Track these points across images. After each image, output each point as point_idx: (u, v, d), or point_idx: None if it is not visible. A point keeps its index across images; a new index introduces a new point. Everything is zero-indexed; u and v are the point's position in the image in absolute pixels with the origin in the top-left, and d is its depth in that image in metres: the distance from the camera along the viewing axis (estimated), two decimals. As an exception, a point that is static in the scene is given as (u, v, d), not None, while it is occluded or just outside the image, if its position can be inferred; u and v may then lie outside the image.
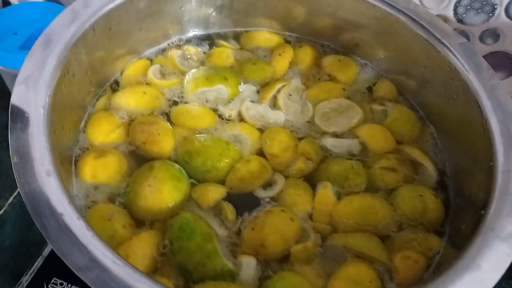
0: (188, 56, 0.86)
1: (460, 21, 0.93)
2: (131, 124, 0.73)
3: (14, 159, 0.51)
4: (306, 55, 0.88)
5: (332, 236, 0.65)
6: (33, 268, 0.69)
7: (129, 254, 0.58)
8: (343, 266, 0.61)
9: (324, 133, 0.77)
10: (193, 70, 0.81)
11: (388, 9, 0.80)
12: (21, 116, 0.54)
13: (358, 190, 0.70)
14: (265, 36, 0.91)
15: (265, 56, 0.89)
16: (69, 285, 0.63)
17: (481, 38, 0.95)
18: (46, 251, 0.74)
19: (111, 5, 0.71)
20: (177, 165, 0.68)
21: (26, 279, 0.64)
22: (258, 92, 0.82)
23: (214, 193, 0.66)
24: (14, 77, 0.79)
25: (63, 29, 0.65)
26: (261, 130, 0.76)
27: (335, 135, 0.77)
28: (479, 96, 0.68)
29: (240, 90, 0.81)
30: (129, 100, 0.75)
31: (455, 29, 0.77)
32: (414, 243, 0.65)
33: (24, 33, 0.86)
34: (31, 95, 0.56)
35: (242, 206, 0.67)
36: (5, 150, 0.75)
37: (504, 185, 0.59)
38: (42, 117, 0.55)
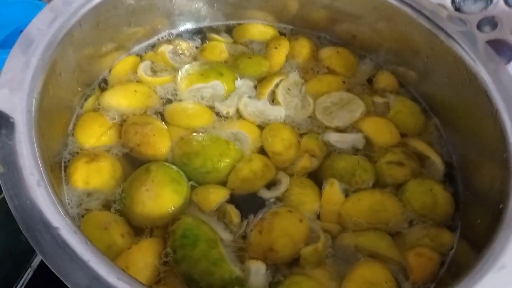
0: (180, 52, 0.81)
1: (457, 9, 0.91)
2: (123, 125, 0.69)
3: (0, 169, 0.46)
4: (303, 47, 0.84)
5: (342, 236, 0.62)
6: (22, 280, 0.65)
7: (129, 265, 0.54)
8: (356, 267, 0.59)
9: (326, 128, 0.74)
10: (186, 66, 0.77)
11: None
12: (6, 122, 0.49)
13: (365, 187, 0.67)
14: (259, 29, 0.87)
15: (260, 49, 0.85)
16: (62, 299, 0.59)
17: (479, 26, 0.93)
18: (35, 262, 0.70)
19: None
20: (175, 167, 0.64)
21: (15, 293, 0.60)
22: (255, 87, 0.78)
23: (216, 196, 0.62)
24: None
25: (45, 27, 0.60)
26: (260, 127, 0.73)
27: (338, 130, 0.74)
28: (487, 86, 0.65)
29: (237, 85, 0.77)
30: (120, 100, 0.71)
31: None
32: (426, 240, 0.63)
33: (2, 31, 0.80)
34: (16, 98, 0.52)
35: (247, 208, 0.63)
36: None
37: (523, 178, 0.56)
38: (30, 122, 0.51)
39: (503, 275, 0.47)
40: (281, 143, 0.69)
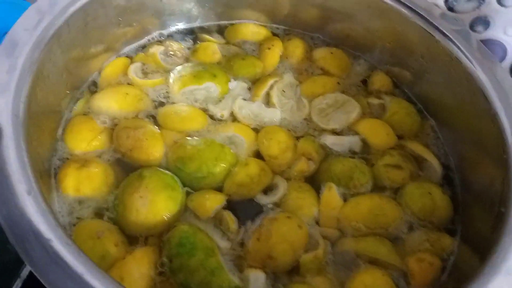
0: (171, 53, 0.79)
1: (450, 8, 0.90)
2: (114, 129, 0.67)
3: (-13, 178, 0.43)
4: (296, 48, 0.83)
5: (342, 241, 0.61)
6: (11, 292, 0.62)
7: (124, 276, 0.52)
8: (357, 274, 0.57)
9: (322, 131, 0.72)
10: (179, 68, 0.74)
11: (383, -2, 0.76)
12: (-8, 127, 0.47)
13: (364, 190, 0.66)
14: (251, 29, 0.86)
15: (253, 50, 0.83)
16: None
17: (472, 26, 0.92)
18: (24, 273, 0.68)
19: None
20: (169, 173, 0.62)
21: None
22: (249, 89, 0.77)
23: (213, 202, 0.60)
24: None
25: (32, 27, 0.57)
26: (256, 130, 0.71)
27: (334, 132, 0.72)
28: (484, 86, 0.65)
29: (230, 87, 0.75)
30: (111, 103, 0.68)
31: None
32: (427, 244, 0.62)
33: (-14, 32, 0.77)
34: (2, 102, 0.49)
35: (244, 214, 0.62)
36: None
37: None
38: (17, 126, 0.48)
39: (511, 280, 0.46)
40: (278, 146, 0.68)
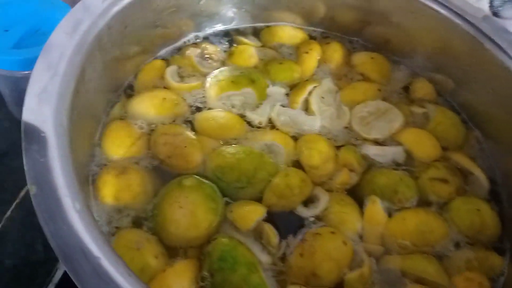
0: (207, 56, 0.77)
1: (495, 14, 0.87)
2: (151, 134, 0.65)
3: (32, 191, 0.42)
4: (335, 52, 0.80)
5: (387, 258, 0.58)
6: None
7: (165, 291, 0.50)
8: (404, 294, 0.55)
9: (364, 140, 0.70)
10: (216, 72, 0.72)
11: (429, 3, 0.73)
12: (37, 137, 0.45)
13: (409, 205, 0.63)
14: (288, 32, 0.83)
15: (290, 54, 0.81)
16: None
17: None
18: (56, 277, 0.67)
19: (125, 1, 0.62)
20: (209, 182, 0.60)
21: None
22: (286, 94, 0.74)
23: (253, 214, 0.58)
24: (7, 78, 0.70)
25: (72, 31, 0.56)
26: (294, 138, 0.69)
27: (376, 142, 0.70)
28: (538, 99, 0.61)
29: (268, 93, 0.73)
30: (148, 108, 0.67)
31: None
32: (475, 263, 0.59)
33: (17, 30, 0.75)
34: (46, 109, 0.48)
35: (284, 227, 0.59)
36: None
37: None
38: (62, 135, 0.47)
39: None
40: (318, 156, 0.65)
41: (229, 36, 0.83)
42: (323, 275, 0.54)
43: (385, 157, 0.68)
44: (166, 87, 0.71)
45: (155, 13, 0.70)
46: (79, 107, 0.54)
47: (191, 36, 0.80)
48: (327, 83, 0.75)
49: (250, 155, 0.63)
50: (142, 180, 0.59)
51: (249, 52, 0.78)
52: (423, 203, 0.64)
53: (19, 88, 0.64)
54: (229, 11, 0.81)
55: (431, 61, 0.79)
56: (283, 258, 0.57)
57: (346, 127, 0.71)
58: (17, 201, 0.73)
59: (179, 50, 0.78)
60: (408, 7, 0.76)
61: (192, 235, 0.55)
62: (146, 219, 0.57)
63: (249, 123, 0.70)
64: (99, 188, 0.58)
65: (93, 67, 0.58)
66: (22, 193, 0.71)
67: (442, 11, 0.72)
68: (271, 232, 0.58)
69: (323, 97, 0.74)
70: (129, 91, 0.71)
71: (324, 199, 0.62)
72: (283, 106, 0.72)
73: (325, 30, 0.86)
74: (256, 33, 0.85)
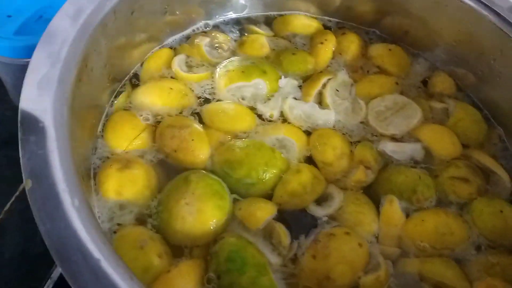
0: (217, 45, 0.74)
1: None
2: (157, 127, 0.62)
3: (28, 185, 0.39)
4: (351, 43, 0.76)
5: (404, 261, 0.55)
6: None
7: (169, 293, 0.48)
8: (422, 300, 0.52)
9: (381, 136, 0.66)
10: (225, 62, 0.69)
11: (453, -8, 0.69)
12: (35, 127, 0.42)
13: (428, 205, 0.60)
14: (302, 21, 0.80)
15: (303, 44, 0.77)
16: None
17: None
18: (55, 274, 0.64)
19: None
20: (217, 178, 0.57)
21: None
22: (299, 87, 0.71)
23: (264, 212, 0.55)
24: (8, 66, 0.67)
25: (75, 16, 0.53)
26: (307, 133, 0.65)
27: (394, 138, 0.66)
28: None
29: (280, 85, 0.69)
30: (154, 98, 0.63)
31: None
32: (497, 269, 0.56)
33: (20, 15, 0.73)
34: (46, 98, 0.45)
35: (296, 226, 0.56)
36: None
37: None
38: (62, 126, 0.44)
39: None
40: (332, 152, 0.62)
41: (240, 25, 0.79)
42: (337, 279, 0.51)
43: (403, 154, 0.64)
44: (173, 77, 0.68)
45: (163, -1, 0.66)
46: (81, 97, 0.51)
47: (200, 24, 0.77)
48: (342, 76, 0.72)
49: (261, 149, 0.60)
50: (147, 175, 0.56)
51: (260, 41, 0.75)
52: (443, 203, 0.61)
53: (21, 76, 0.62)
54: (241, -1, 0.77)
55: (452, 54, 0.75)
56: (294, 260, 0.54)
57: (361, 122, 0.68)
58: (16, 193, 0.71)
59: (188, 38, 0.75)
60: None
61: (198, 233, 0.52)
62: (150, 216, 0.55)
63: (259, 116, 0.66)
64: (101, 183, 0.55)
65: (97, 54, 0.55)
66: (22, 186, 0.68)
67: (468, 1, 0.68)
68: (282, 232, 0.55)
69: (337, 90, 0.70)
70: (135, 81, 0.68)
71: (338, 197, 0.59)
72: (295, 99, 0.68)
73: (340, 20, 0.82)
74: (268, 22, 0.81)
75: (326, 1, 0.81)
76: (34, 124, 0.43)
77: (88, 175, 0.56)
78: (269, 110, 0.66)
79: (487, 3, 0.66)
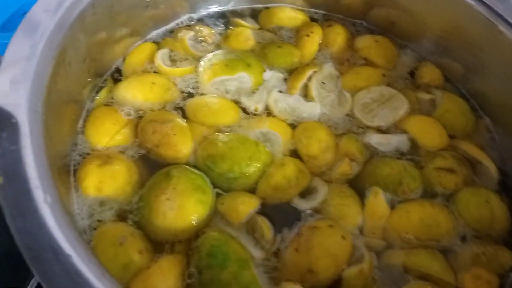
0: (201, 38, 0.73)
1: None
2: (139, 122, 0.61)
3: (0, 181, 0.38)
4: (338, 35, 0.75)
5: (389, 253, 0.55)
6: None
7: (148, 288, 0.47)
8: (406, 292, 0.51)
9: (366, 128, 0.66)
10: (209, 55, 0.68)
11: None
12: (7, 123, 0.42)
13: (413, 197, 0.59)
14: (288, 14, 0.79)
15: (289, 37, 0.77)
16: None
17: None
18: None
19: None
20: (199, 172, 0.56)
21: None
22: (285, 80, 0.70)
23: (246, 206, 0.55)
24: (-7, 63, 0.67)
25: (53, 9, 0.52)
26: (292, 126, 0.65)
27: (380, 130, 0.66)
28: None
29: (265, 78, 0.68)
30: (136, 93, 0.63)
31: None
32: (483, 259, 0.55)
33: (3, 12, 0.72)
34: (20, 93, 0.44)
35: (279, 220, 0.56)
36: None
37: None
38: (36, 122, 0.43)
39: None
40: (317, 145, 0.61)
41: (225, 18, 0.78)
42: (319, 271, 0.50)
43: (389, 146, 0.64)
44: (156, 72, 0.67)
45: (145, -8, 0.65)
46: (59, 92, 0.50)
47: (184, 18, 0.76)
48: (328, 68, 0.71)
49: (244, 143, 0.59)
50: (128, 171, 0.56)
51: (245, 34, 0.74)
52: (428, 194, 0.61)
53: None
54: (226, -9, 0.77)
55: (439, 45, 0.74)
56: (277, 254, 0.53)
57: (347, 115, 0.67)
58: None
59: (171, 32, 0.74)
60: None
61: (180, 228, 0.52)
62: (131, 212, 0.54)
63: (244, 110, 0.66)
64: (81, 179, 0.54)
65: (75, 48, 0.55)
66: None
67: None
68: (264, 226, 0.54)
69: (323, 83, 0.69)
70: (117, 76, 0.67)
71: (322, 190, 0.58)
72: (280, 92, 0.68)
73: (327, 12, 0.81)
74: (254, 15, 0.80)
75: (314, -7, 0.80)
76: (7, 120, 0.42)
77: (68, 171, 0.55)
78: (254, 103, 0.66)
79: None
